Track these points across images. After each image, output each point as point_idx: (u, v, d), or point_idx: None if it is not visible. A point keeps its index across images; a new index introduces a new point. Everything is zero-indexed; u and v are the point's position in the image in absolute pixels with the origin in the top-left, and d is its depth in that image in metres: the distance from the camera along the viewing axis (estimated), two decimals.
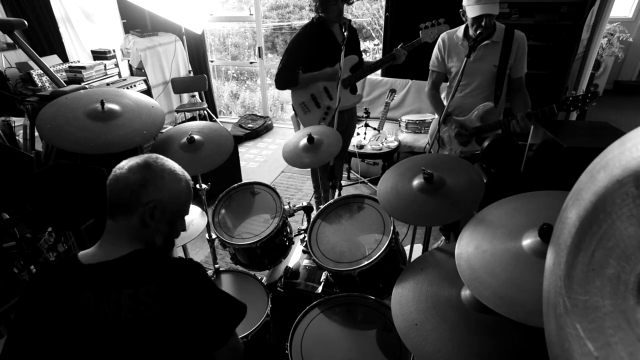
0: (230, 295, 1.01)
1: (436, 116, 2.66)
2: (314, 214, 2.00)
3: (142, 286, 0.89)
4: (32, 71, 3.33)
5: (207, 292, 0.97)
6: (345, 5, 2.33)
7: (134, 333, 0.87)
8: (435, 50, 2.33)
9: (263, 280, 1.97)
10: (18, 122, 2.60)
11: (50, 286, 0.92)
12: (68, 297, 0.89)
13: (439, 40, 2.31)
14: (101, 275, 0.91)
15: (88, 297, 0.88)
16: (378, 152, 3.61)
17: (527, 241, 0.98)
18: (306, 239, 1.78)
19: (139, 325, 0.87)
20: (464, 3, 2.07)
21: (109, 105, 1.70)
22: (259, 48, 5.24)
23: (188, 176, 1.07)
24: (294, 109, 2.60)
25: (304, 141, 1.94)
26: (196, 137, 1.83)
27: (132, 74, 4.60)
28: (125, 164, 0.99)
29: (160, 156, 1.03)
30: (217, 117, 5.62)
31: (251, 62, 5.75)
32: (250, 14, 5.09)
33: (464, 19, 2.15)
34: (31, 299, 0.93)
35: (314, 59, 2.43)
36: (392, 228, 1.63)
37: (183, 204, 1.04)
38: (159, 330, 0.88)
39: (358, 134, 3.73)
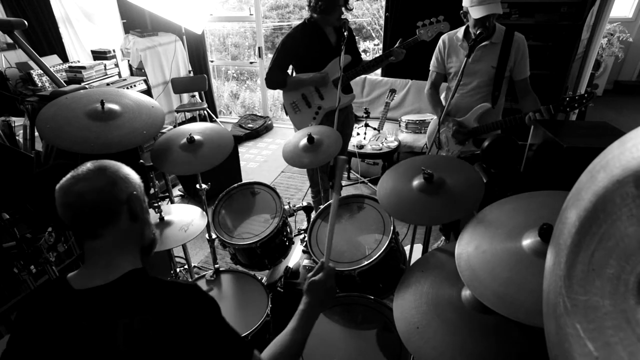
0: (235, 331, 0.91)
1: (435, 117, 2.65)
2: (313, 214, 2.00)
3: (137, 315, 0.82)
4: (32, 71, 3.33)
5: (210, 324, 0.87)
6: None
7: None
8: (436, 51, 2.34)
9: (263, 280, 1.97)
10: (18, 122, 2.59)
11: (42, 315, 0.85)
12: (61, 326, 0.83)
13: (440, 41, 2.31)
14: (95, 302, 0.84)
15: (82, 326, 0.82)
16: (378, 152, 3.61)
17: (527, 241, 0.98)
18: (306, 239, 1.78)
19: (136, 358, 0.80)
20: (466, 4, 2.06)
21: (109, 105, 1.70)
22: (259, 48, 5.24)
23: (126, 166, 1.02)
24: (284, 109, 2.60)
25: (304, 141, 1.94)
26: (196, 137, 1.84)
27: (132, 74, 4.60)
28: (73, 182, 0.88)
29: (97, 160, 0.95)
30: (217, 117, 5.61)
31: (251, 62, 5.75)
32: (250, 14, 5.09)
33: (465, 20, 2.15)
34: (23, 330, 0.87)
35: (305, 60, 2.44)
36: (392, 228, 1.63)
37: (142, 189, 0.99)
38: None
39: (358, 134, 3.73)
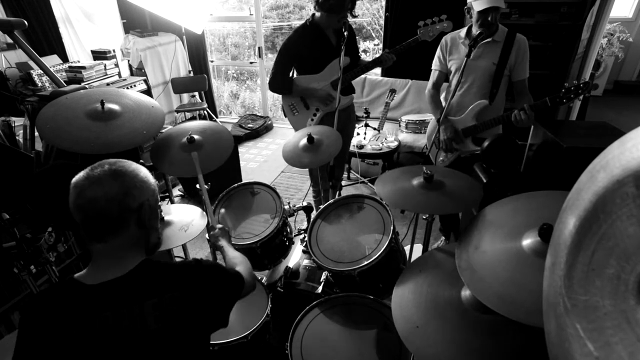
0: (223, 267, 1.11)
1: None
2: (313, 214, 2.00)
3: (166, 294, 0.90)
4: (32, 71, 3.33)
5: (222, 282, 1.04)
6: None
7: (166, 340, 0.90)
8: (438, 49, 2.34)
9: (263, 280, 1.96)
10: (18, 122, 2.59)
11: (57, 317, 0.85)
12: (81, 321, 0.84)
13: (442, 41, 2.31)
14: (116, 292, 0.88)
15: (106, 316, 0.85)
16: (378, 152, 3.61)
17: (527, 241, 0.98)
18: (306, 239, 1.78)
19: (170, 332, 0.90)
20: None
21: (109, 105, 1.70)
22: (259, 48, 5.24)
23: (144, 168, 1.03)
24: (283, 110, 2.60)
25: (304, 141, 1.94)
26: (196, 137, 1.84)
27: (132, 74, 4.59)
28: (87, 184, 0.86)
29: (116, 160, 0.95)
30: (217, 117, 5.61)
31: (251, 62, 5.75)
32: (250, 14, 5.09)
33: (468, 16, 2.15)
34: (35, 335, 0.85)
35: (306, 61, 2.43)
36: (392, 228, 1.63)
37: (157, 195, 1.01)
38: (188, 332, 0.93)
39: (358, 134, 3.73)
